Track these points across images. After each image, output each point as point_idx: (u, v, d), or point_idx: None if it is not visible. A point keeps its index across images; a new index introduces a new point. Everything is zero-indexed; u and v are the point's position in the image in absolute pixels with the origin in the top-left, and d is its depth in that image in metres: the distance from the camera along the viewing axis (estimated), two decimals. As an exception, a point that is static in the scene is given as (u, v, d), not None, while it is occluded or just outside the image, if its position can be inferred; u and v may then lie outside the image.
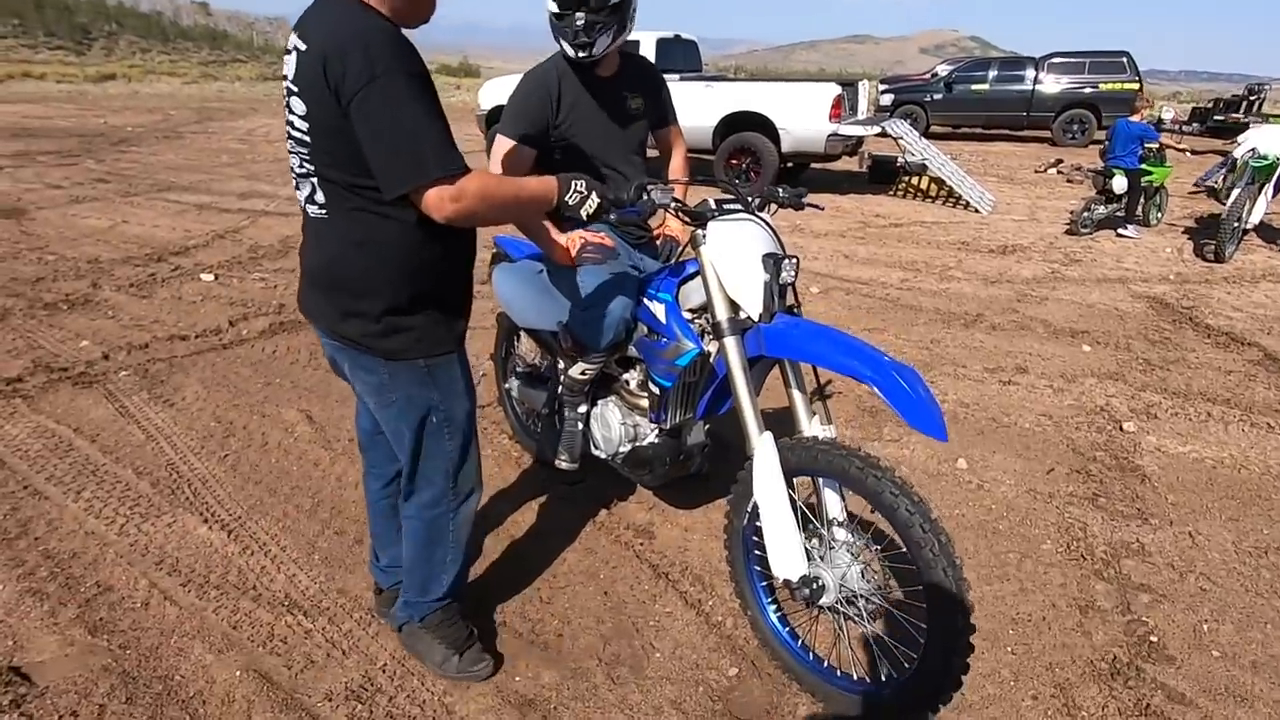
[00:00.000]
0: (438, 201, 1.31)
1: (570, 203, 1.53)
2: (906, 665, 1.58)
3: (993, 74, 15.07)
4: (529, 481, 2.69)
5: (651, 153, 2.34)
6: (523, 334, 2.74)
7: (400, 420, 1.58)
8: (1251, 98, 14.36)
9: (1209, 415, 3.27)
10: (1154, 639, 1.97)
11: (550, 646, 1.92)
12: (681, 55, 9.43)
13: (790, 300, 1.75)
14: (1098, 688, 1.81)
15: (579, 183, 1.54)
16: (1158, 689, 1.81)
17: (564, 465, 2.23)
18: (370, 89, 1.26)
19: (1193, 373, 3.76)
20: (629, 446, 2.15)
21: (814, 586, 1.60)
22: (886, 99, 15.83)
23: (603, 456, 2.24)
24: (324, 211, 1.45)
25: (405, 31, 1.38)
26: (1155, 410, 3.32)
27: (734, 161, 8.48)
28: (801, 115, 7.94)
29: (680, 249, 2.01)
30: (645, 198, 1.63)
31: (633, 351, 2.08)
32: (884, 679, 1.64)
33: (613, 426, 2.17)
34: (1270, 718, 1.74)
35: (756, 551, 1.88)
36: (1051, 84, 14.35)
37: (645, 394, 2.07)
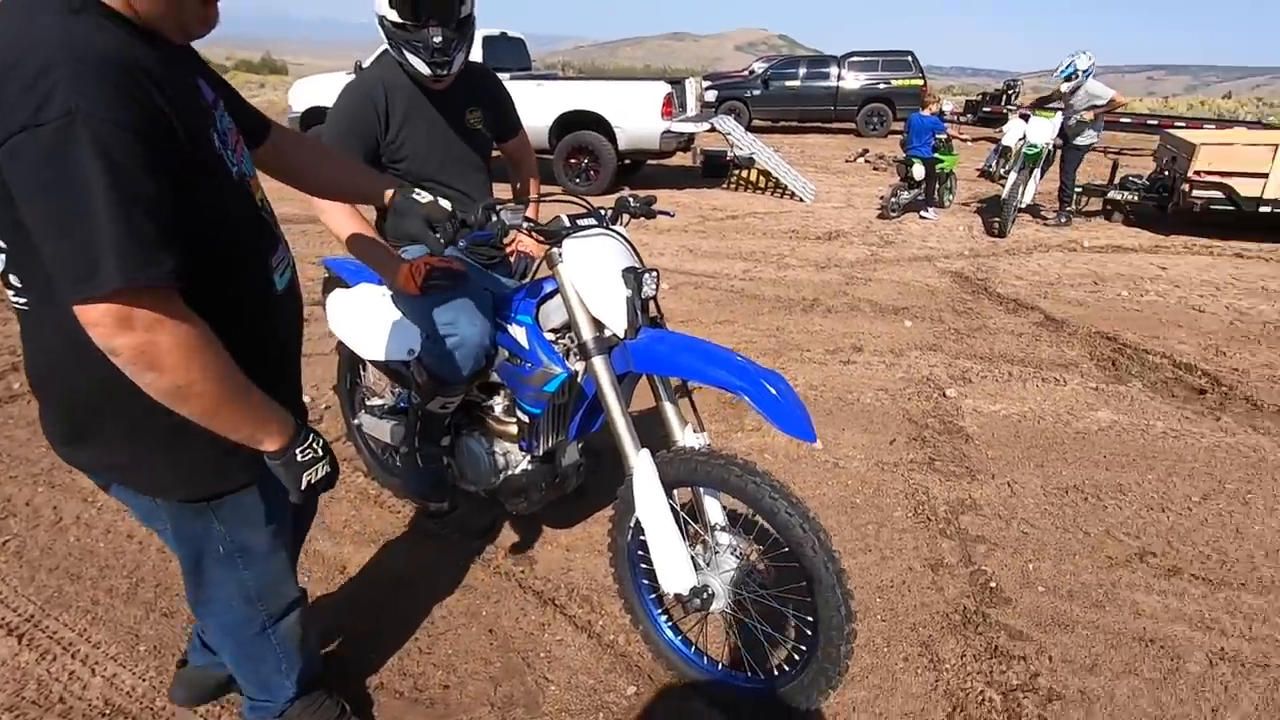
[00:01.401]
0: (101, 325, 0.87)
1: (300, 460, 1.13)
2: (798, 657, 1.64)
3: (802, 71, 16.28)
4: (392, 522, 2.49)
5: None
6: (369, 364, 2.53)
7: (175, 547, 1.29)
8: (1009, 91, 16.67)
9: (1010, 375, 3.75)
10: (993, 585, 2.22)
11: (437, 701, 1.79)
12: (510, 53, 9.23)
13: (653, 313, 1.75)
14: (954, 639, 2.00)
15: (314, 442, 1.15)
16: (1001, 630, 2.04)
17: (431, 505, 2.09)
18: (26, 137, 0.82)
19: (993, 337, 4.29)
20: (500, 477, 2.05)
21: (704, 595, 1.62)
22: (711, 95, 16.55)
23: (472, 489, 2.12)
24: (23, 300, 1.02)
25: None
26: (969, 375, 3.74)
27: (572, 161, 8.46)
28: (635, 113, 8.08)
29: (536, 265, 1.94)
30: (495, 219, 1.55)
31: (495, 377, 1.98)
32: (778, 672, 1.70)
33: (480, 458, 2.06)
34: (1088, 637, 2.01)
35: (643, 565, 1.87)
36: (852, 80, 15.76)
37: (513, 420, 1.98)
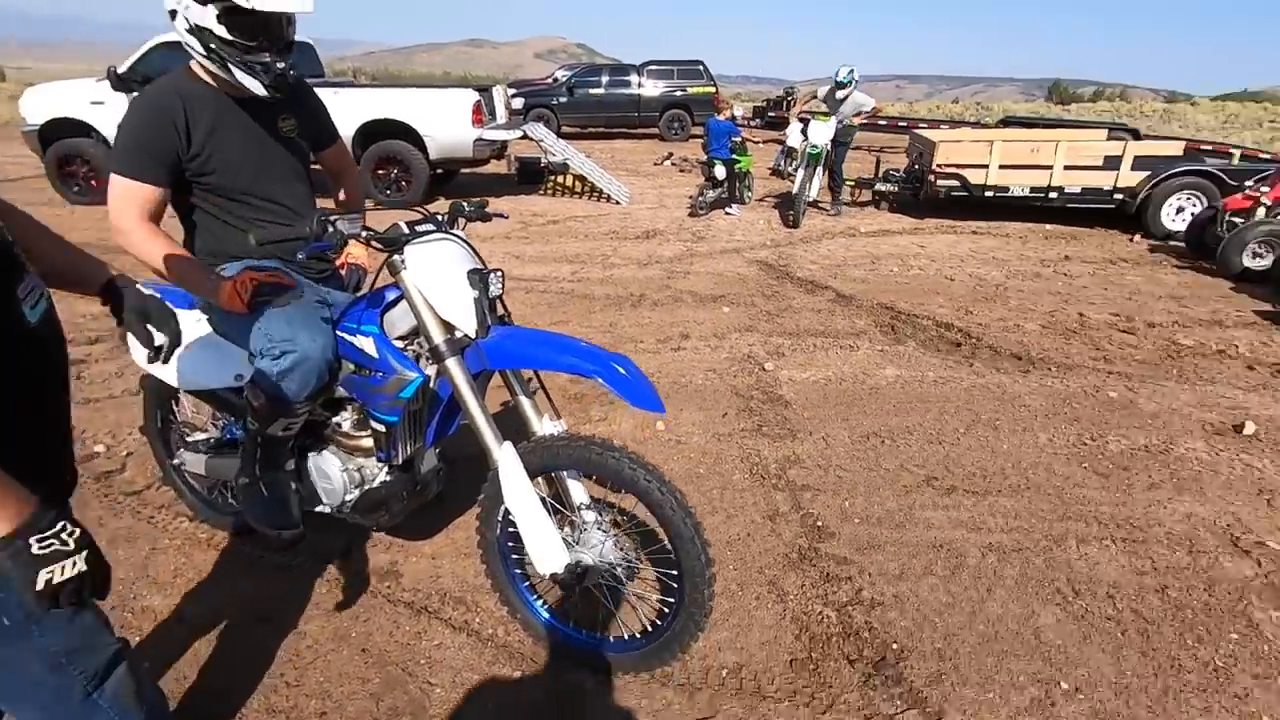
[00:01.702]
0: None
1: (36, 554, 0.90)
2: (668, 610, 1.81)
3: (605, 79, 16.85)
4: (231, 562, 2.32)
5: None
6: (183, 397, 2.32)
7: None
8: (788, 98, 18.52)
9: (814, 346, 4.27)
10: (819, 524, 2.57)
11: (315, 731, 1.73)
12: (301, 59, 8.58)
13: (501, 311, 1.82)
14: (794, 574, 2.30)
15: (62, 531, 0.92)
16: (829, 559, 2.37)
17: (283, 535, 1.99)
18: None
19: (798, 315, 4.84)
20: (357, 492, 2.01)
21: (578, 571, 1.73)
22: (519, 103, 16.59)
23: (328, 510, 2.05)
24: None
25: None
26: (782, 350, 4.20)
27: (381, 171, 8.11)
28: (445, 122, 7.92)
29: (374, 276, 1.93)
30: (331, 230, 1.54)
31: (341, 392, 1.94)
32: (652, 628, 1.86)
33: (333, 477, 2.00)
34: (894, 553, 2.41)
35: (514, 556, 1.95)
36: (652, 88, 16.60)
37: (365, 434, 1.95)
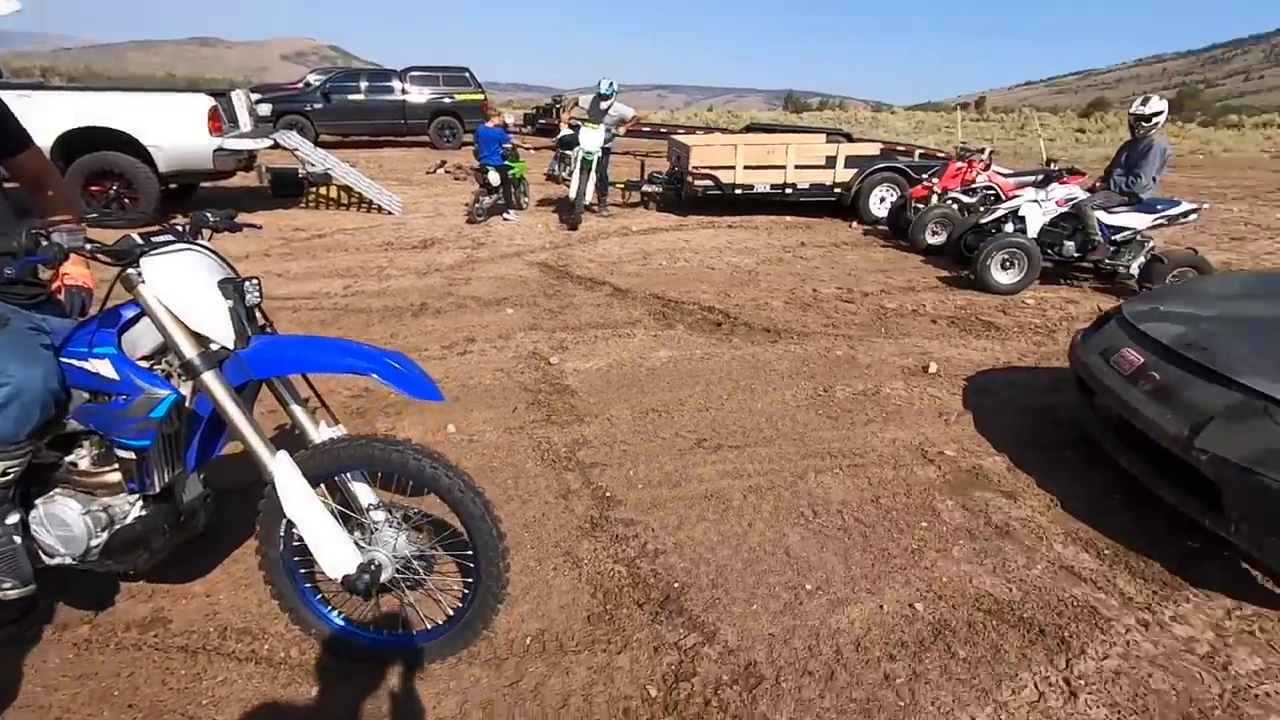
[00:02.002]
0: None
1: None
2: (467, 591, 1.89)
3: (365, 84, 15.94)
4: (-60, 649, 1.96)
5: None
6: None
7: None
8: (556, 105, 19.00)
9: (595, 337, 4.55)
10: (608, 495, 2.81)
11: (79, 800, 1.56)
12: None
13: (261, 321, 1.78)
14: (588, 541, 2.51)
15: None
16: (618, 523, 2.62)
17: (12, 594, 1.74)
18: None
19: (579, 311, 5.11)
20: (105, 535, 1.82)
21: (372, 569, 1.75)
22: (265, 109, 15.09)
23: (69, 562, 1.83)
24: None
25: None
26: (565, 344, 4.43)
27: (95, 188, 6.98)
28: (174, 130, 7.03)
29: (106, 294, 1.76)
30: (47, 243, 1.41)
31: (74, 425, 1.75)
32: (455, 613, 1.93)
33: (72, 523, 1.79)
34: (673, 508, 2.72)
35: (303, 570, 1.91)
36: (417, 94, 16.07)
37: (109, 467, 1.78)
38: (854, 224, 8.81)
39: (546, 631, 2.09)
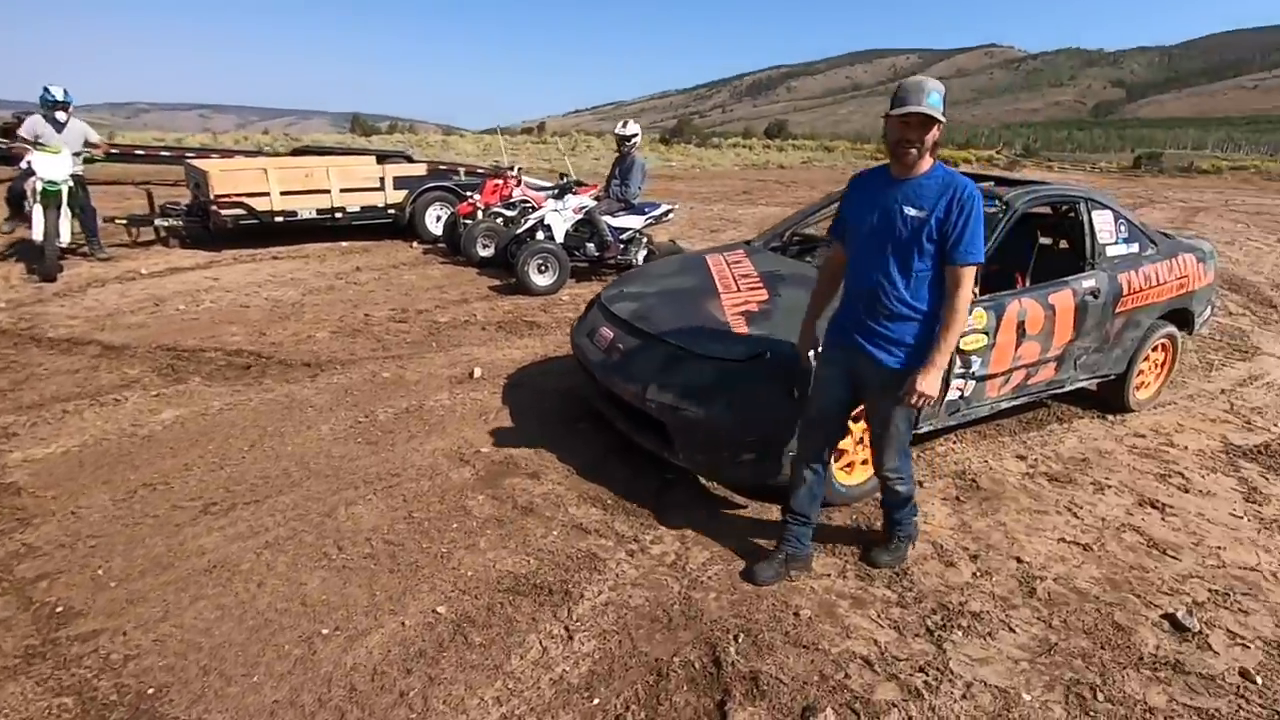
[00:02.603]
0: None
1: None
2: None
3: None
4: None
5: None
6: None
7: None
8: (16, 123, 14.70)
9: (65, 412, 3.58)
10: (59, 610, 2.20)
11: None
12: None
13: None
14: (16, 683, 1.91)
15: None
16: (71, 642, 2.06)
17: None
18: None
19: (45, 382, 3.97)
20: None
21: None
22: None
23: None
24: None
25: None
26: (14, 429, 3.38)
27: None
28: None
29: None
30: None
31: None
32: None
33: None
34: (159, 596, 2.26)
35: None
36: None
37: None
38: (415, 244, 8.79)
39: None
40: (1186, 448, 3.78)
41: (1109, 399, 4.16)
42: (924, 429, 3.21)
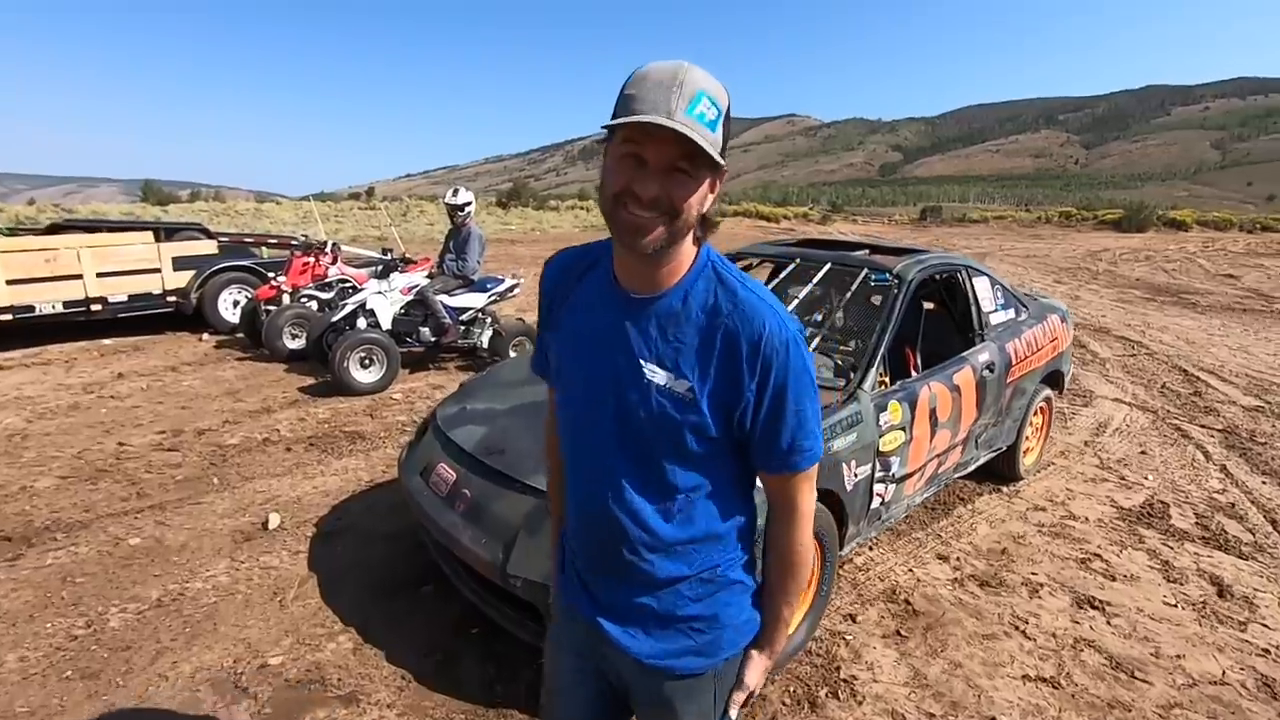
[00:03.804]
0: None
1: None
2: None
3: None
4: None
5: None
6: None
7: None
8: None
9: None
10: None
11: None
12: None
13: None
14: None
15: None
16: None
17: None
18: None
19: None
20: None
21: None
22: None
23: None
24: None
25: None
26: None
27: None
28: None
29: None
30: None
31: None
32: None
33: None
34: None
35: None
36: None
37: None
38: (204, 335, 7.27)
39: None
40: (1086, 519, 3.59)
41: (1002, 470, 3.95)
42: (845, 550, 2.68)
